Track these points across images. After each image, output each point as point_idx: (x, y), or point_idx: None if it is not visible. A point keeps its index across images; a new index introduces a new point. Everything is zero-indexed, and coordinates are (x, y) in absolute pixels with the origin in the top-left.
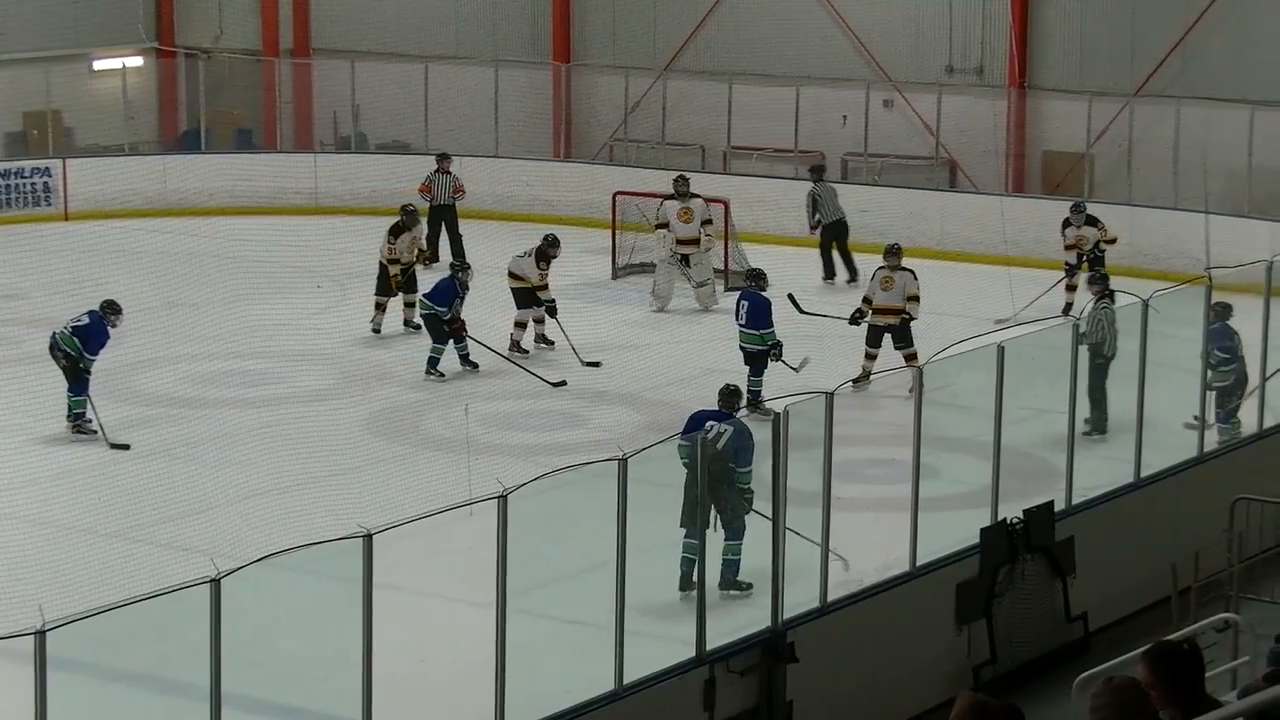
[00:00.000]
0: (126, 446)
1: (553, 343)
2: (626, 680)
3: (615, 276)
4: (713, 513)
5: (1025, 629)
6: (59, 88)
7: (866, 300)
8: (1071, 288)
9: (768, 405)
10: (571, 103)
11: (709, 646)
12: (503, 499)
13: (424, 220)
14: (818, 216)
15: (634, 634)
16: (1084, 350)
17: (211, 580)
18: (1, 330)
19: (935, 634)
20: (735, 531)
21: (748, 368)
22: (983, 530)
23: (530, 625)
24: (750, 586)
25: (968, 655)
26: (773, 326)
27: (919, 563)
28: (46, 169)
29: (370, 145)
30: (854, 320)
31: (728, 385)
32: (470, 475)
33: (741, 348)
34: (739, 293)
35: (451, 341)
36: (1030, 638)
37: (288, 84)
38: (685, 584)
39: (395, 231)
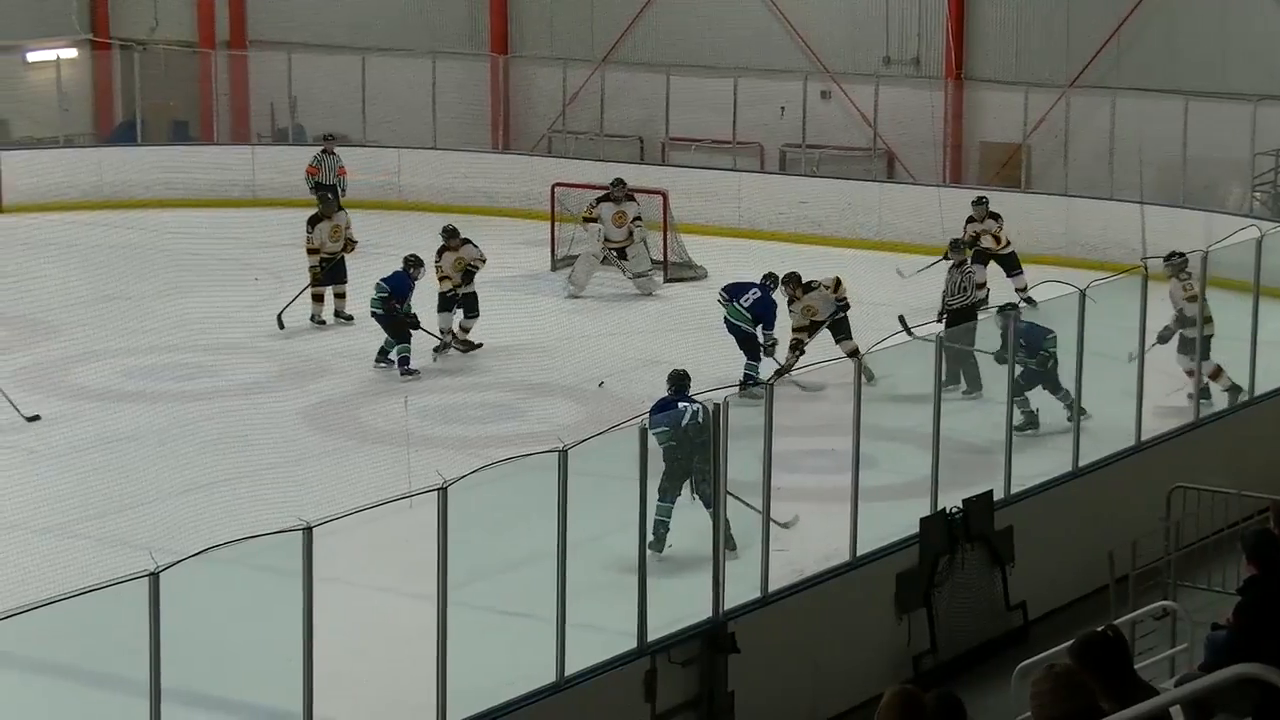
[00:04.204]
0: (38, 417)
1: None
2: (568, 672)
3: (554, 268)
4: (688, 486)
5: (965, 618)
6: None
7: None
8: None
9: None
10: (509, 94)
11: (650, 638)
12: (442, 491)
13: (345, 210)
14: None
15: (575, 625)
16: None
17: (150, 574)
18: None
19: (876, 624)
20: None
21: (743, 352)
22: (922, 520)
23: (471, 617)
24: (735, 547)
25: (908, 644)
26: (773, 328)
27: (859, 552)
28: None
29: (307, 137)
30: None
31: (676, 370)
32: (409, 468)
33: (736, 326)
34: (756, 288)
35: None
36: (970, 627)
37: (224, 76)
38: (660, 545)
39: (313, 221)
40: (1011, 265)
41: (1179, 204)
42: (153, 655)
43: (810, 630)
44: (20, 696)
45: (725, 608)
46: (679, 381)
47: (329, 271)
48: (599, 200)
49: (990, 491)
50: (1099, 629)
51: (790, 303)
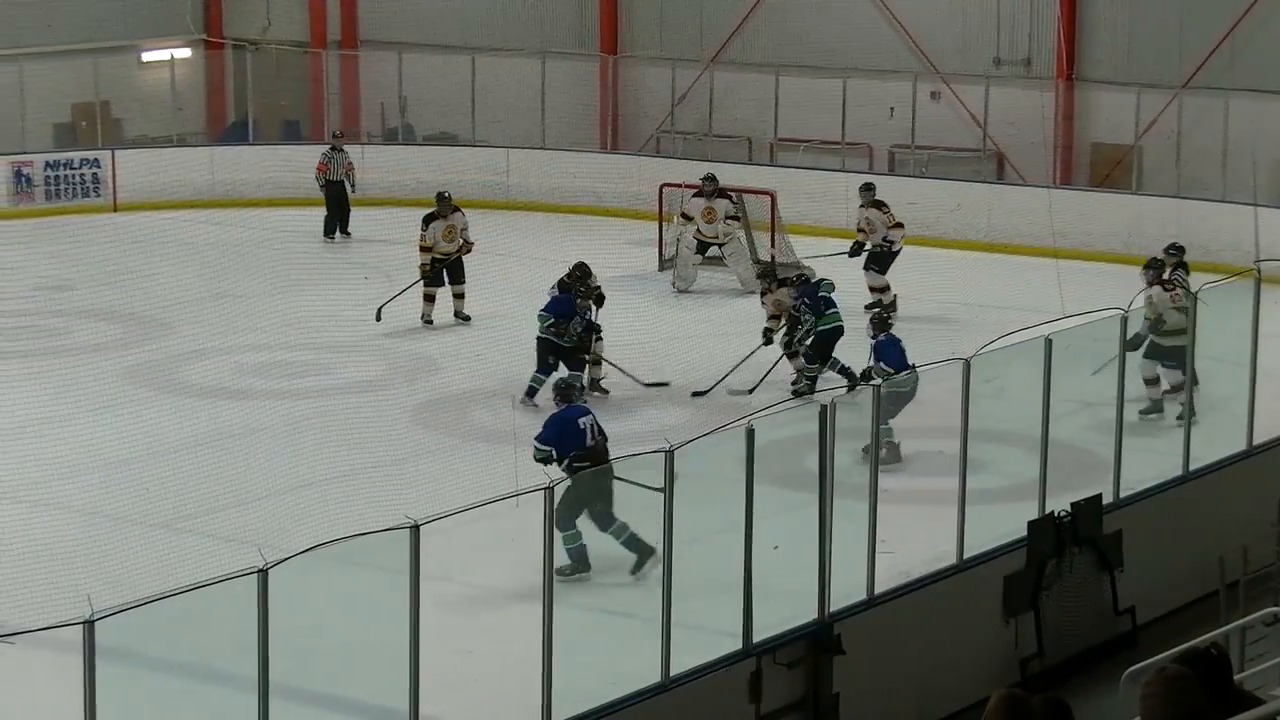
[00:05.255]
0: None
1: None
2: (673, 672)
3: (661, 268)
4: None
5: (1073, 622)
6: (108, 79)
7: None
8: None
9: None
10: (618, 94)
11: (755, 639)
12: (549, 490)
13: (461, 210)
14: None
15: (680, 626)
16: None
17: (259, 570)
18: (50, 321)
19: (982, 627)
20: (606, 519)
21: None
22: (1030, 523)
23: (577, 617)
24: (654, 550)
25: (1015, 648)
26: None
27: (966, 555)
28: (95, 160)
29: (417, 137)
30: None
31: (561, 380)
32: (517, 466)
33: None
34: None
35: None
36: (1078, 631)
37: (335, 76)
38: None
39: (427, 220)
40: (880, 262)
41: None
42: (261, 651)
43: (916, 633)
44: (130, 691)
45: (831, 609)
46: (567, 392)
47: (443, 272)
48: (692, 196)
49: (1099, 495)
50: (1203, 647)
51: (762, 295)
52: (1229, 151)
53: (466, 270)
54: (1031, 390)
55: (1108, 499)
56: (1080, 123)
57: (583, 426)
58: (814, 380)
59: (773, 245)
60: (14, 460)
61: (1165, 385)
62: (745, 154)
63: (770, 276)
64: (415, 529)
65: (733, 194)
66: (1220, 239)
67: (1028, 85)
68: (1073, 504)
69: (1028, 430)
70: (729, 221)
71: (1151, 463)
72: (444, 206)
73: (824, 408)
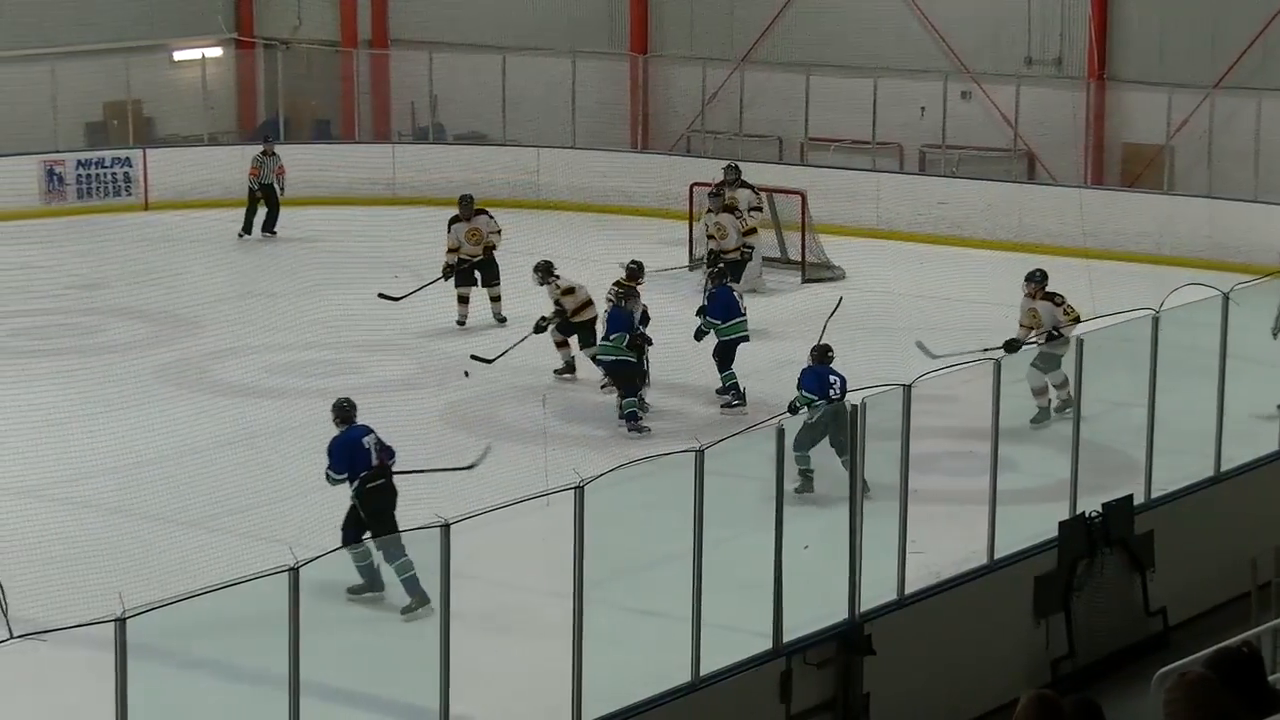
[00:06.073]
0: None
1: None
2: (703, 672)
3: (692, 268)
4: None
5: (1104, 623)
6: (139, 78)
7: None
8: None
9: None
10: (648, 94)
11: (785, 638)
12: (579, 490)
13: (487, 213)
14: None
15: (710, 625)
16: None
17: (290, 569)
18: (82, 319)
19: (1013, 627)
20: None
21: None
22: (1061, 523)
23: (607, 616)
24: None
25: (1046, 649)
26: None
27: (997, 556)
28: (127, 159)
29: (448, 136)
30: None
31: (339, 401)
32: (547, 466)
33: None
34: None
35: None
36: (1109, 632)
37: (366, 75)
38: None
39: (450, 223)
40: (1046, 361)
41: None
42: (292, 649)
43: (947, 633)
44: (163, 689)
45: (861, 609)
46: (345, 413)
47: (473, 273)
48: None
49: (1130, 496)
50: (1235, 646)
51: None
52: (1261, 151)
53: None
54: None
55: (1139, 499)
56: (1111, 122)
57: (367, 445)
58: (736, 387)
59: (803, 245)
60: (45, 458)
61: (1053, 396)
62: (775, 153)
63: (722, 194)
64: (446, 527)
65: (755, 186)
66: (1252, 239)
67: (1059, 85)
68: (1104, 504)
69: (1059, 430)
70: (752, 213)
71: (1183, 464)
72: (466, 209)
73: (854, 408)
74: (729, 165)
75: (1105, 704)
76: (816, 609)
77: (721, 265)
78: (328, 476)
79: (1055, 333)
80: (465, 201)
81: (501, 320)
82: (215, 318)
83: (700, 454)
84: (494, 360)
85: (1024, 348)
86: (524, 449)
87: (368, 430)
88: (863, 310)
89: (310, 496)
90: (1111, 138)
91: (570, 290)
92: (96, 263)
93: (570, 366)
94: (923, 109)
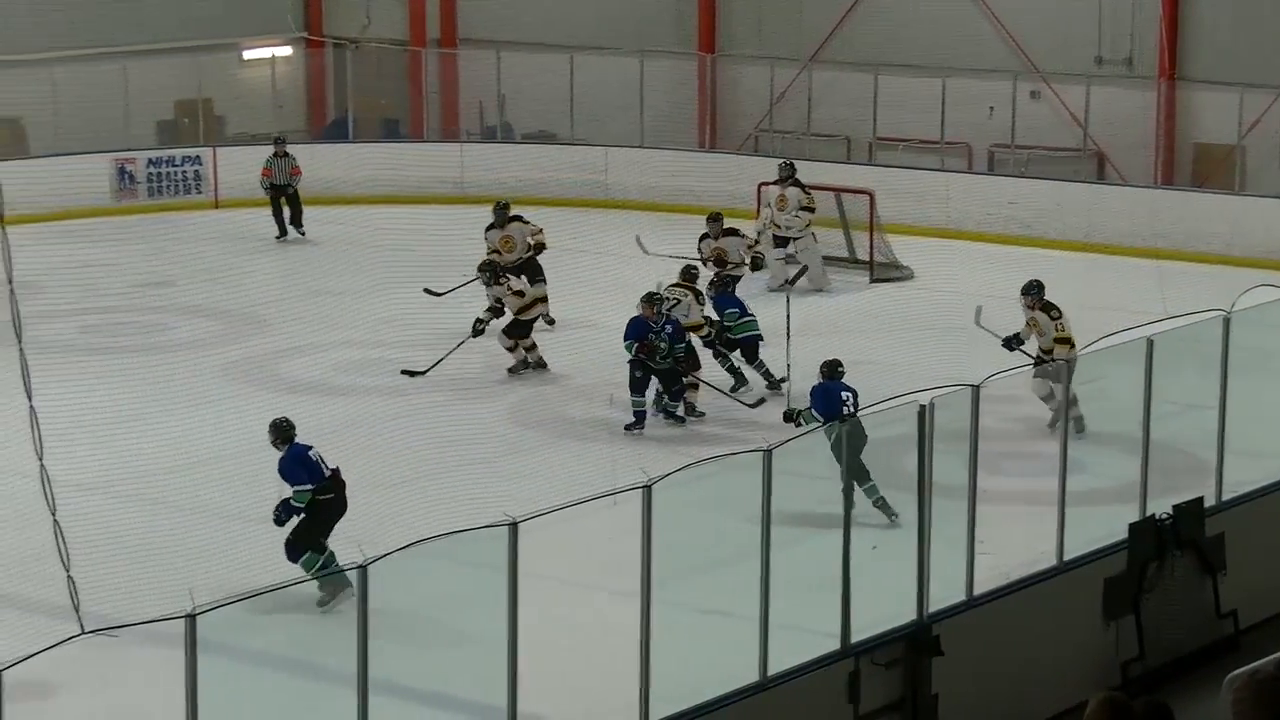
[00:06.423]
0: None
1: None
2: (771, 672)
3: (755, 268)
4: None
5: (1174, 625)
6: (210, 77)
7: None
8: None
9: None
10: (717, 93)
11: (854, 639)
12: (647, 489)
13: (522, 219)
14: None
15: (778, 625)
16: None
17: (359, 567)
18: (151, 317)
19: (1083, 629)
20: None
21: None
22: (1131, 525)
23: (674, 616)
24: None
25: (1115, 651)
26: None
27: (1066, 557)
28: (197, 157)
29: (516, 135)
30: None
31: (275, 421)
32: (615, 465)
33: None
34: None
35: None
36: (1179, 634)
37: (434, 74)
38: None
39: (486, 230)
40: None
41: None
42: (360, 647)
43: (1016, 634)
44: (231, 685)
45: (930, 610)
46: (284, 432)
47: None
48: (771, 184)
49: (1201, 498)
50: None
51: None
52: None
53: (554, 270)
54: (1133, 391)
55: (1209, 501)
56: (1182, 122)
57: (315, 459)
58: (739, 373)
59: (870, 245)
60: (114, 455)
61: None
62: (844, 153)
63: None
64: (514, 526)
65: (806, 185)
66: None
67: (1129, 85)
68: (1174, 506)
69: (1129, 431)
70: (801, 213)
71: (1254, 466)
72: (499, 216)
73: (923, 408)
74: (783, 163)
75: (1175, 706)
76: (884, 609)
77: (727, 277)
78: (296, 496)
79: (1043, 357)
80: (497, 209)
81: (550, 322)
82: (283, 316)
83: (768, 455)
84: (426, 372)
85: (1020, 353)
86: (591, 447)
87: (309, 446)
88: (932, 310)
89: (378, 494)
90: (1182, 138)
91: (520, 293)
92: (166, 261)
93: (526, 364)
94: (991, 109)
